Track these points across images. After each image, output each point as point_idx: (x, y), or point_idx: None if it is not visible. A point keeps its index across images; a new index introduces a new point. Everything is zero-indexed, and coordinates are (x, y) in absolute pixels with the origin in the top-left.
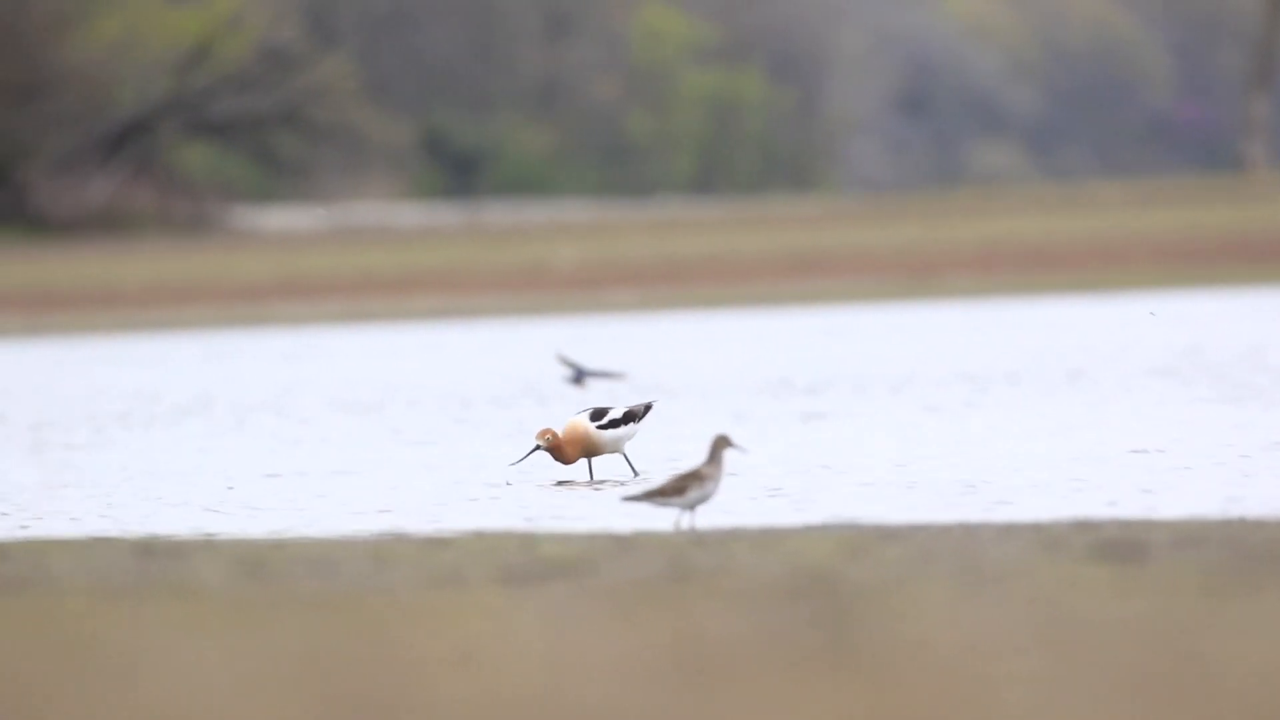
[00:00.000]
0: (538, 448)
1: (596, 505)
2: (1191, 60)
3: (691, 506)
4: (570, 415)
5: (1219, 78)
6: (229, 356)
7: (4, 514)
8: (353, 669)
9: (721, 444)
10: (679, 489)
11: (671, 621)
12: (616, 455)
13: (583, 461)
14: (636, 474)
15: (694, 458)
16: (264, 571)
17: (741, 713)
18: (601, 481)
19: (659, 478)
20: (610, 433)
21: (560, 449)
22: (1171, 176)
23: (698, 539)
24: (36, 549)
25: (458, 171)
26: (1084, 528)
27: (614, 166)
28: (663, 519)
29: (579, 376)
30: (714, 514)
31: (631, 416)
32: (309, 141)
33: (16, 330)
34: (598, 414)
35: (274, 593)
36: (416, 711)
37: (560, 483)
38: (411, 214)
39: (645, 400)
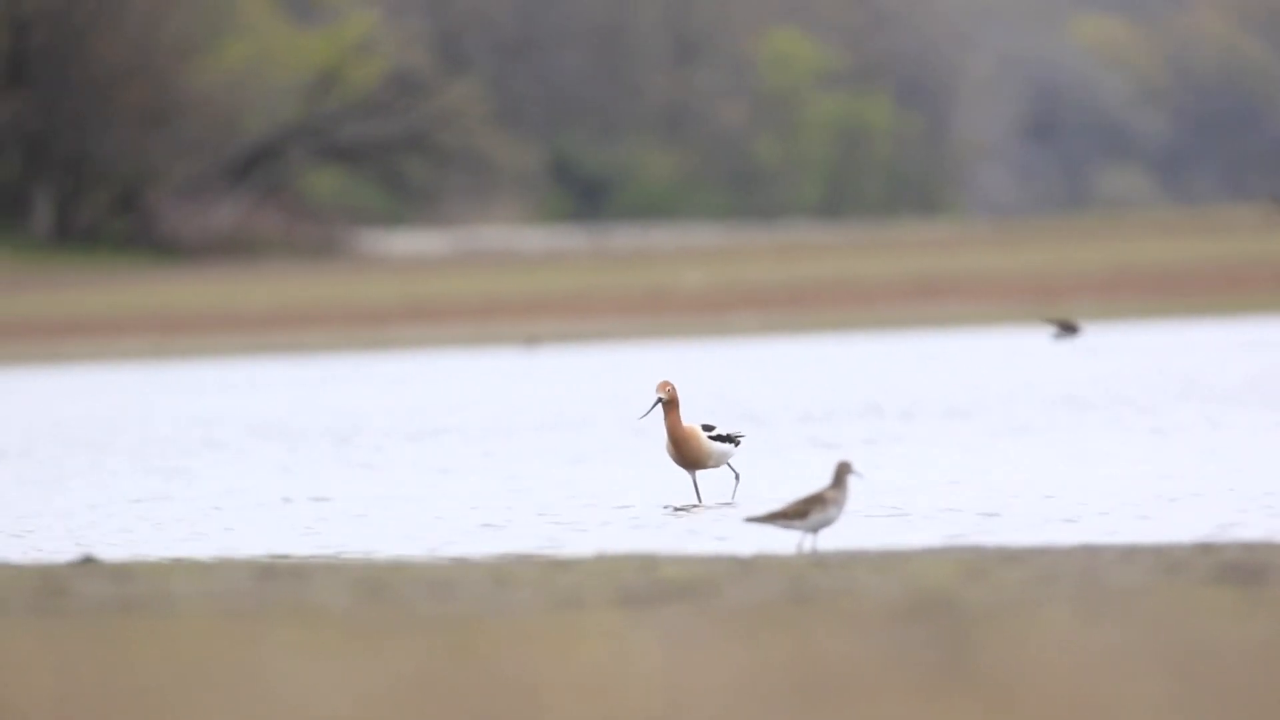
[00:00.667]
0: (660, 400)
1: (718, 526)
2: None
3: (814, 529)
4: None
5: None
6: (351, 379)
7: (126, 533)
8: (471, 692)
9: (845, 469)
10: (802, 512)
11: (791, 644)
12: (706, 473)
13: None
14: (700, 501)
15: (809, 482)
16: (384, 593)
17: None
18: (726, 503)
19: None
20: (717, 446)
21: (675, 407)
22: None
23: (818, 561)
24: (158, 570)
25: (585, 196)
26: (1206, 550)
27: (741, 191)
28: (783, 541)
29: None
30: (835, 536)
31: (730, 439)
32: (436, 166)
33: (144, 353)
34: (706, 427)
35: (394, 615)
36: None
37: (678, 509)
38: (538, 238)
39: (738, 433)
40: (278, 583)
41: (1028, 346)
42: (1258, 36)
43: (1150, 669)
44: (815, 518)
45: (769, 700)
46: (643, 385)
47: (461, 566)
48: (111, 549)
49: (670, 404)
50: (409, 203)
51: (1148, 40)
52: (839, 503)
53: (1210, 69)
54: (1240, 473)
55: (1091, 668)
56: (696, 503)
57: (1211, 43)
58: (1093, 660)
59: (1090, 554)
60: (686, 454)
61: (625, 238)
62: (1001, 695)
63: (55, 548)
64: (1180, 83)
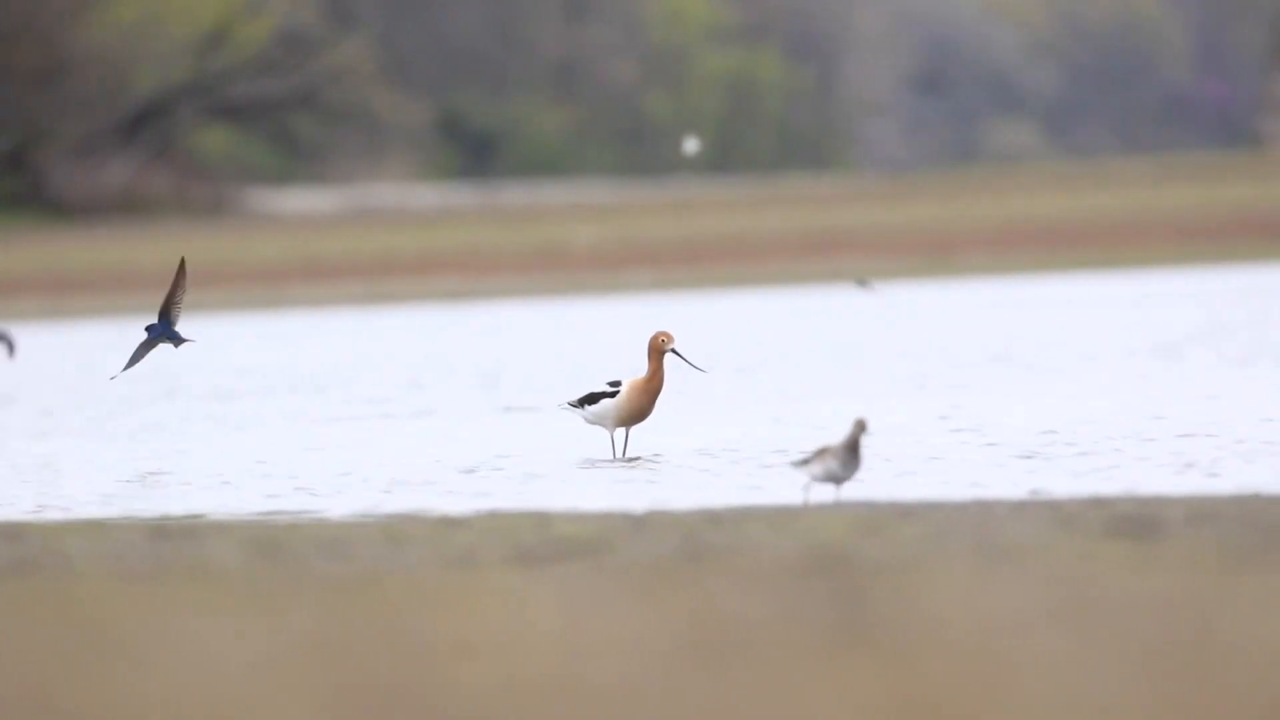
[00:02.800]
0: (673, 351)
1: (609, 483)
2: (1210, 37)
3: (817, 480)
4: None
5: (1238, 55)
6: (247, 338)
7: (17, 495)
8: (368, 651)
9: (859, 427)
10: (804, 461)
11: (688, 601)
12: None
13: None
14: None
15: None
16: (278, 553)
17: (759, 692)
18: (634, 459)
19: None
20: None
21: (658, 365)
22: (1190, 153)
23: (712, 518)
24: (50, 531)
25: (475, 152)
26: (1099, 504)
27: (632, 147)
28: (678, 497)
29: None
30: (728, 491)
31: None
32: (326, 124)
33: (34, 314)
34: (613, 383)
35: (288, 574)
36: (432, 693)
37: (585, 463)
38: (429, 195)
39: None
40: (171, 543)
41: (922, 301)
42: None
43: (1047, 623)
44: (815, 468)
45: (668, 658)
46: (529, 343)
47: (354, 525)
48: (1, 509)
49: (656, 353)
50: (299, 161)
51: None
52: (839, 457)
53: (1100, 22)
54: (1132, 426)
55: (989, 622)
56: (619, 458)
57: None
58: (990, 615)
59: (984, 509)
60: (650, 407)
61: (516, 195)
62: (899, 651)
63: None
64: (1070, 36)
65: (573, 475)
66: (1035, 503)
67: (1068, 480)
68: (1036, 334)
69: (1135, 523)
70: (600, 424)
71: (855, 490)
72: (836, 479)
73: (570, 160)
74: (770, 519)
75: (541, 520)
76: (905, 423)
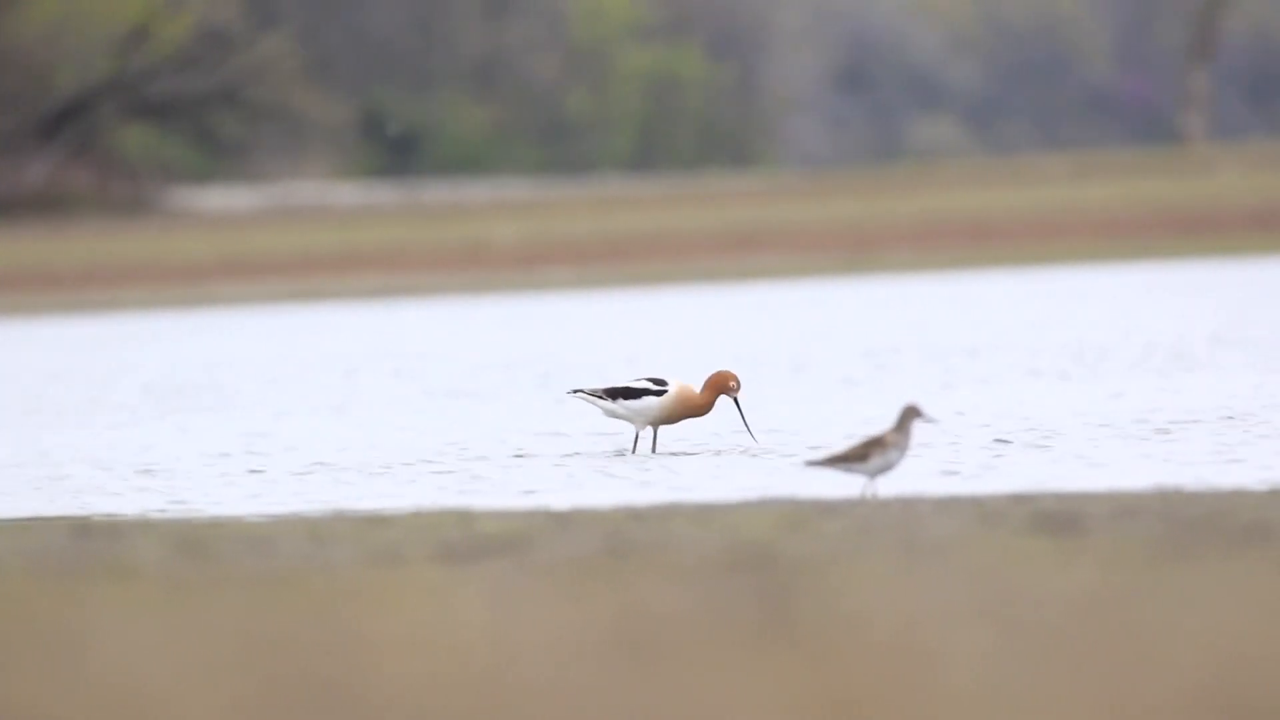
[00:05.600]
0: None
1: (533, 479)
2: (1131, 34)
3: (874, 474)
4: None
5: (1158, 51)
6: (166, 337)
7: None
8: (293, 649)
9: (910, 414)
10: (863, 455)
11: (612, 598)
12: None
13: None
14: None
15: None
16: (202, 551)
17: (685, 688)
18: (521, 455)
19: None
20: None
21: (713, 397)
22: (1111, 150)
23: (636, 514)
24: None
25: (396, 150)
26: (1021, 500)
27: (553, 144)
28: (600, 494)
29: None
30: (654, 488)
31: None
32: (248, 121)
33: None
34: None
35: (212, 572)
36: (357, 690)
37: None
38: (350, 193)
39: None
40: (94, 541)
41: (839, 298)
42: None
43: (970, 619)
44: (875, 461)
45: (593, 654)
46: (458, 339)
47: (278, 523)
48: None
49: (718, 394)
50: (220, 158)
51: None
52: (900, 446)
53: (1022, 19)
54: (1053, 422)
55: (912, 618)
56: (634, 452)
57: None
58: (913, 611)
59: (907, 505)
60: (681, 419)
61: (437, 192)
62: (823, 647)
63: None
64: (991, 33)
65: (496, 472)
66: (958, 499)
67: (990, 476)
68: (957, 330)
69: (1057, 519)
70: (630, 419)
71: (778, 485)
72: (890, 470)
73: (491, 157)
74: (693, 515)
75: (465, 518)
76: (832, 419)
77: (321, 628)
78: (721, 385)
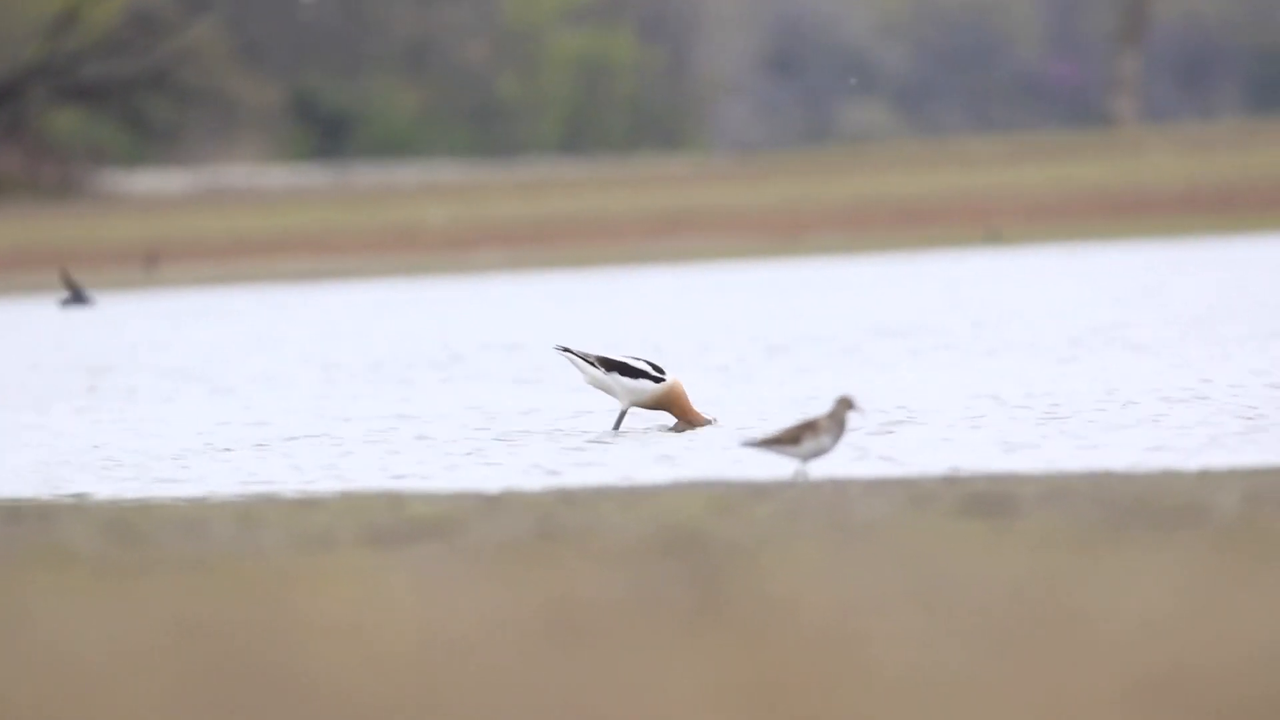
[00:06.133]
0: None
1: (463, 463)
2: (1061, 17)
3: (806, 458)
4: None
5: (1088, 34)
6: (94, 320)
7: None
8: (225, 633)
9: (844, 404)
10: (795, 438)
11: (543, 582)
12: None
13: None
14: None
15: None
16: (133, 535)
17: (615, 672)
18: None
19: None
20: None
21: (696, 416)
22: (1041, 133)
23: (566, 497)
24: None
25: (327, 133)
26: (952, 482)
27: (483, 127)
28: (536, 477)
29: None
30: (584, 470)
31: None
32: (178, 104)
33: None
34: (610, 361)
35: (145, 556)
36: (289, 673)
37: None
38: (280, 176)
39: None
40: (25, 526)
41: (770, 281)
42: None
43: (901, 602)
44: (808, 445)
45: (524, 639)
46: (389, 322)
47: (208, 507)
48: None
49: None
50: (150, 142)
51: None
52: (833, 432)
53: (952, 2)
54: (986, 404)
55: (843, 601)
56: (615, 430)
57: None
58: (844, 594)
59: (837, 487)
60: (658, 409)
61: (368, 175)
62: (753, 630)
63: None
64: (922, 16)
65: (425, 454)
66: (888, 481)
67: (921, 458)
68: (892, 313)
69: (988, 501)
70: (617, 394)
71: (708, 469)
72: (822, 455)
73: (422, 140)
74: (623, 499)
75: (395, 501)
76: (761, 401)
77: (253, 611)
78: (701, 424)
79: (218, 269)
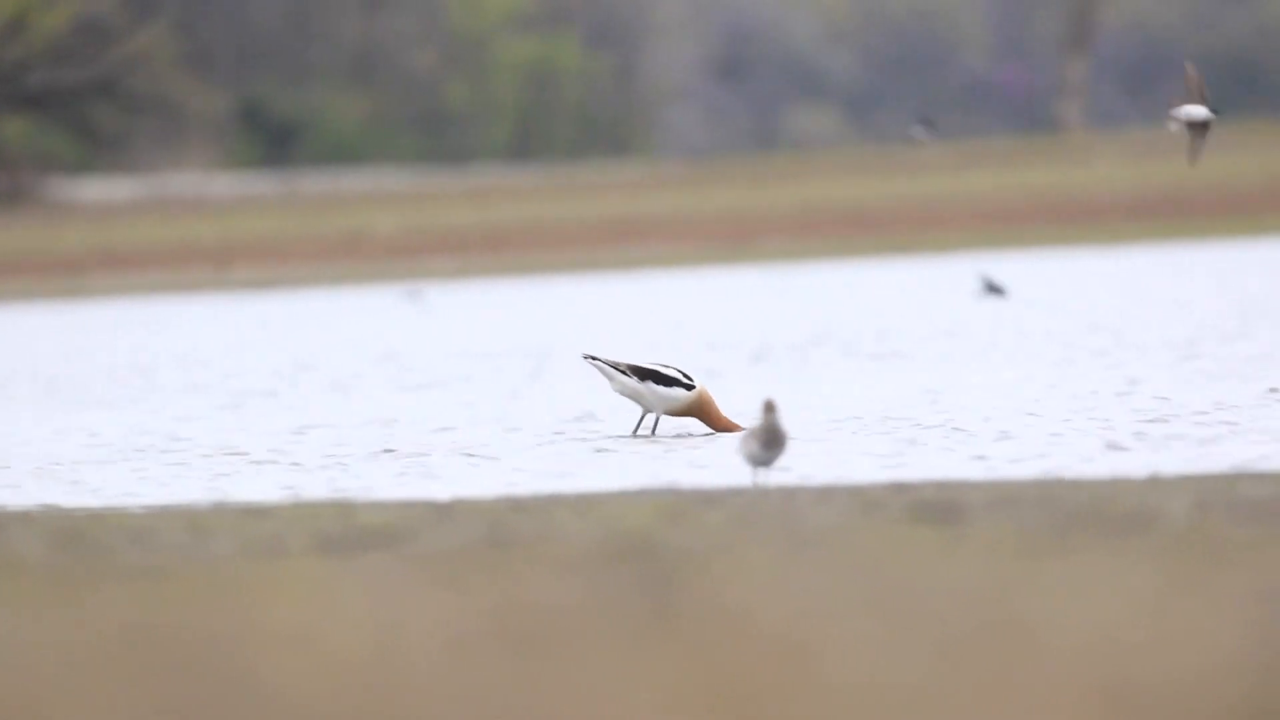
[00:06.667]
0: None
1: (414, 472)
2: (1008, 23)
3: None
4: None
5: (1035, 40)
6: (46, 328)
7: None
8: (176, 641)
9: (769, 408)
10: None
11: (494, 589)
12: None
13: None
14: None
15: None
16: (82, 543)
17: (567, 680)
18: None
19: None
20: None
21: (728, 423)
22: (990, 139)
23: (516, 505)
24: None
25: (275, 141)
26: (901, 490)
27: (432, 135)
28: (480, 484)
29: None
30: (535, 477)
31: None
32: (126, 112)
33: None
34: (642, 369)
35: (94, 565)
36: (241, 683)
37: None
38: (229, 184)
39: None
40: None
41: (725, 287)
42: None
43: (851, 609)
44: (743, 450)
45: (477, 647)
46: (331, 330)
47: (158, 515)
48: None
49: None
50: (99, 150)
51: None
52: (760, 439)
53: (900, 8)
54: (932, 412)
55: (793, 609)
56: (647, 433)
57: None
58: (794, 601)
59: (787, 495)
60: (686, 415)
61: (316, 183)
62: (705, 638)
63: None
64: (870, 22)
65: (375, 463)
66: (837, 488)
67: (870, 465)
68: (839, 319)
69: (937, 508)
70: (649, 402)
71: (659, 476)
72: (761, 462)
73: (370, 148)
74: (574, 506)
75: (345, 509)
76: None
77: (203, 619)
78: (732, 430)
79: (166, 277)
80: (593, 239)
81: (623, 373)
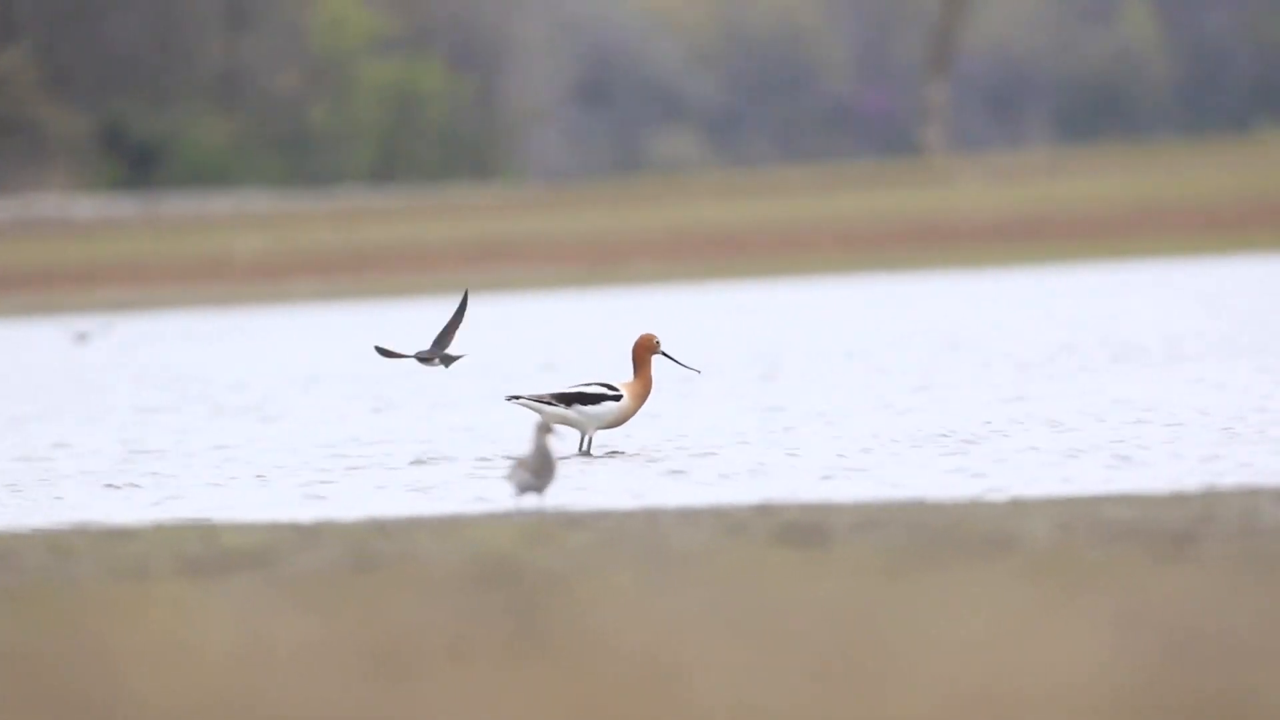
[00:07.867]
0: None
1: (274, 494)
2: (870, 47)
3: (518, 494)
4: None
5: (897, 64)
6: None
7: None
8: (38, 664)
9: (542, 431)
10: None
11: (361, 612)
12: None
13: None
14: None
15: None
16: None
17: (433, 704)
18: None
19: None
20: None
21: (648, 368)
22: (851, 162)
23: (380, 528)
24: None
25: (137, 163)
26: (766, 511)
27: (295, 157)
28: (346, 507)
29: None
30: (398, 500)
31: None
32: None
33: None
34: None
35: None
36: (104, 706)
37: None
38: (90, 206)
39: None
40: None
41: (582, 310)
42: None
43: (717, 631)
44: (514, 481)
45: (342, 670)
46: (191, 352)
47: (18, 537)
48: None
49: (650, 357)
50: None
51: (699, 3)
52: (531, 467)
53: (762, 32)
54: (791, 433)
55: (659, 631)
56: (587, 452)
57: (763, 6)
58: (660, 623)
59: (651, 517)
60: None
61: (178, 205)
62: (572, 660)
63: None
64: (732, 45)
65: (236, 485)
66: (702, 510)
67: (734, 488)
68: (701, 344)
69: (802, 530)
70: (583, 424)
71: (522, 500)
72: (531, 489)
73: (233, 170)
74: (438, 529)
75: (208, 531)
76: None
77: (66, 643)
78: (650, 348)
79: (27, 299)
80: (456, 261)
81: (549, 404)
